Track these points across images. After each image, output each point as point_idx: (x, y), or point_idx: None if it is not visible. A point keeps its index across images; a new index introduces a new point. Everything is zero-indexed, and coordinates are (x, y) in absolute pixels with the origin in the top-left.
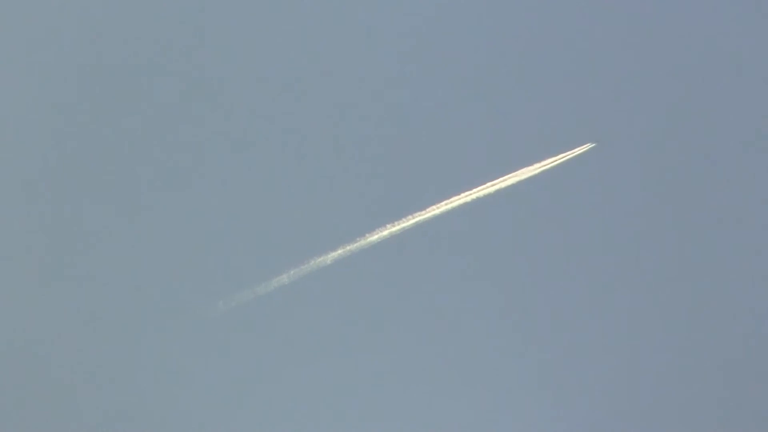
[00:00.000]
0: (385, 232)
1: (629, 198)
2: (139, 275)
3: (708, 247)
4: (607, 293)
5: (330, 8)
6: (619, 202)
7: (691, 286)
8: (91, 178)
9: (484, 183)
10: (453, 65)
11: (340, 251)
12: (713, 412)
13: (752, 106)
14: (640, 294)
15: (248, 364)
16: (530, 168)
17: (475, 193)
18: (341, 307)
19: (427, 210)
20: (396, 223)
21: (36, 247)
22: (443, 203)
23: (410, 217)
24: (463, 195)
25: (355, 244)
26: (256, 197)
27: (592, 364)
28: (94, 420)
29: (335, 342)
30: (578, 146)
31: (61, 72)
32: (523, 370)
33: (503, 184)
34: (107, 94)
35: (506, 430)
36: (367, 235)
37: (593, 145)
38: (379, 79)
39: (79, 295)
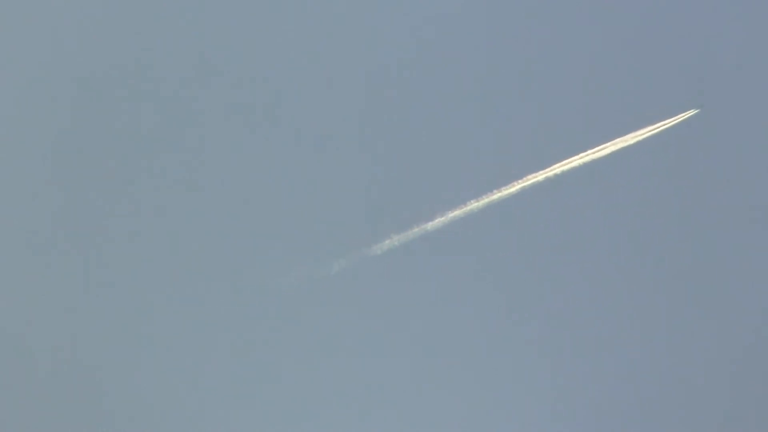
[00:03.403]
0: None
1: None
2: (141, 275)
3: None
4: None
5: (344, 14)
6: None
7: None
8: (95, 176)
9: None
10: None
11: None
12: (713, 411)
13: None
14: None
15: (251, 367)
16: (635, 134)
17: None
18: (346, 314)
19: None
20: (446, 212)
21: (47, 246)
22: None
23: (490, 194)
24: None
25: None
26: (257, 204)
27: (604, 367)
28: (97, 418)
29: (340, 347)
30: (683, 112)
31: (66, 72)
32: (533, 374)
33: (590, 158)
34: (118, 93)
35: (507, 429)
36: (403, 231)
37: (698, 110)
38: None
39: (80, 294)
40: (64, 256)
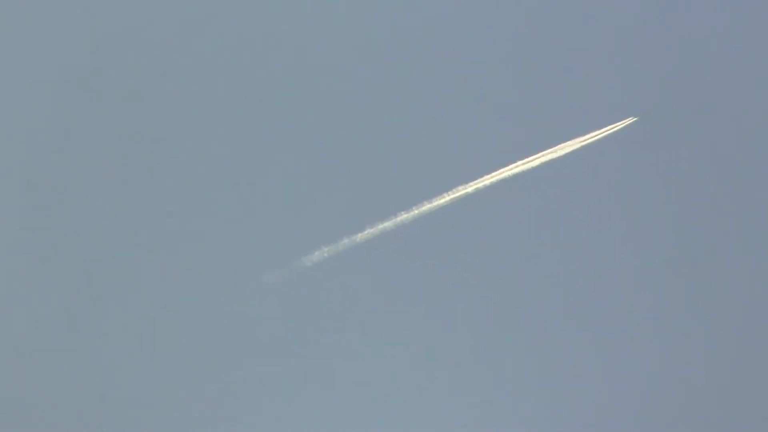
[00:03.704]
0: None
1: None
2: (140, 274)
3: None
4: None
5: (328, 6)
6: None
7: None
8: (95, 176)
9: (521, 160)
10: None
11: (360, 237)
12: (713, 411)
13: None
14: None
15: (249, 365)
16: (573, 142)
17: (512, 169)
18: (342, 311)
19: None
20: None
21: (46, 246)
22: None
23: (452, 191)
24: (504, 169)
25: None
26: (253, 202)
27: (596, 364)
28: (97, 418)
29: (335, 344)
30: (621, 120)
31: (66, 72)
32: (527, 369)
33: (541, 161)
34: (119, 93)
35: (505, 429)
36: (397, 215)
37: (636, 119)
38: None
39: (79, 293)
40: (62, 256)
